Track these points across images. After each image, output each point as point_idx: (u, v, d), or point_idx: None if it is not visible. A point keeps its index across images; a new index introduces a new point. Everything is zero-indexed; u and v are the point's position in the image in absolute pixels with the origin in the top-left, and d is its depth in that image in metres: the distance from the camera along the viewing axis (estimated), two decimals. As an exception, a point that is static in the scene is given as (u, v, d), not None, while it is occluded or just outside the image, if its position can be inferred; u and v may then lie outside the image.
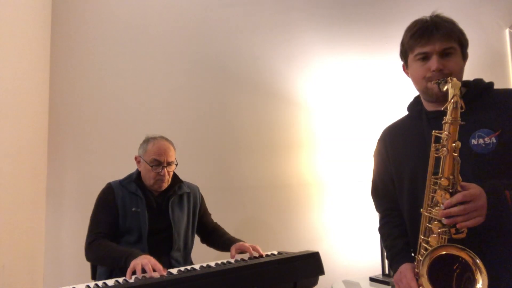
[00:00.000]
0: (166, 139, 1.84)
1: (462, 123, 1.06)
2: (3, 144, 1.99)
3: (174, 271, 1.45)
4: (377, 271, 2.21)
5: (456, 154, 1.06)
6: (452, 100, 1.06)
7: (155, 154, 1.76)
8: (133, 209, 1.75)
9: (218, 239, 1.93)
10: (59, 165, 2.42)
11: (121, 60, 2.54)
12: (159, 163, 1.75)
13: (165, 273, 1.40)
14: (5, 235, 1.98)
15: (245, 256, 1.70)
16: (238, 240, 1.83)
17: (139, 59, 2.55)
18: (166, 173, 1.77)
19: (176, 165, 1.84)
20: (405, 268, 1.18)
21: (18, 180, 2.12)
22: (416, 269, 1.14)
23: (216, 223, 2.02)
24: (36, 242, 2.29)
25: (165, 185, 1.80)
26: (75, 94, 2.49)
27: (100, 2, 2.59)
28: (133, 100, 2.52)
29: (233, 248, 1.75)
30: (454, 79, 1.09)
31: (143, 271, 1.40)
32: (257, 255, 1.67)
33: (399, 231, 1.32)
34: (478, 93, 1.20)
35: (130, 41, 2.56)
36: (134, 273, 1.42)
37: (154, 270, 1.41)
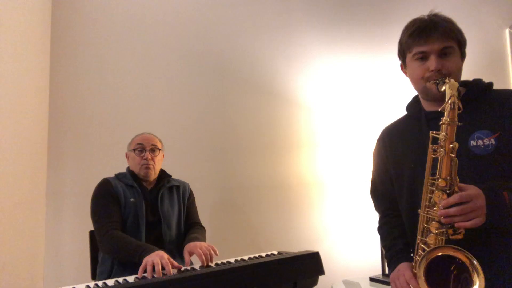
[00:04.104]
0: (152, 134, 1.95)
1: (459, 124, 1.06)
2: (3, 144, 1.99)
3: (174, 271, 1.45)
4: (377, 271, 2.21)
5: (453, 155, 1.05)
6: (450, 101, 1.06)
7: (139, 140, 1.87)
8: (131, 199, 1.78)
9: (185, 238, 1.82)
10: (59, 165, 2.41)
11: (121, 60, 2.54)
12: (142, 147, 1.84)
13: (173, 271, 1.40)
14: (5, 235, 1.98)
15: (245, 256, 1.70)
16: (194, 240, 1.70)
17: (139, 59, 2.55)
18: (150, 157, 1.83)
19: (160, 150, 1.90)
20: (403, 267, 1.19)
21: (18, 180, 2.12)
22: (414, 269, 1.14)
23: (198, 222, 1.95)
24: (36, 242, 2.29)
25: (151, 173, 1.85)
26: (75, 94, 2.48)
27: (101, 1, 2.59)
28: (133, 100, 2.52)
29: (185, 252, 1.64)
30: (452, 80, 1.09)
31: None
32: (206, 265, 1.54)
33: (398, 232, 1.32)
34: (478, 93, 1.20)
35: (130, 41, 2.56)
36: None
37: (163, 268, 1.40)
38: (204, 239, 1.82)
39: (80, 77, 2.51)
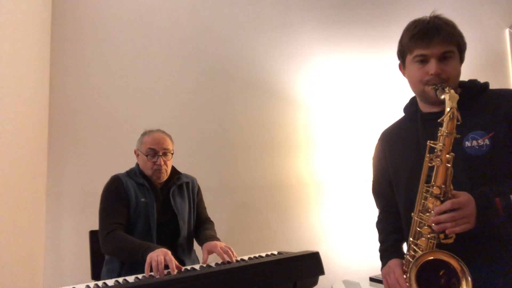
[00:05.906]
0: (163, 132, 1.87)
1: (457, 136, 1.07)
2: (3, 144, 1.99)
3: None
4: (377, 271, 2.20)
5: (449, 165, 1.07)
6: (449, 113, 1.06)
7: (151, 143, 1.79)
8: (142, 199, 1.76)
9: (200, 232, 1.87)
10: (59, 165, 2.41)
11: (121, 60, 2.54)
12: (154, 153, 1.78)
13: (176, 271, 1.40)
14: (5, 235, 1.98)
15: (245, 256, 1.70)
16: (214, 239, 1.75)
17: (138, 59, 2.55)
18: (163, 162, 1.78)
19: (172, 154, 1.85)
20: (394, 264, 1.22)
21: (18, 180, 2.12)
22: (404, 267, 1.17)
23: (208, 218, 2.00)
24: (36, 242, 2.29)
25: (164, 176, 1.82)
26: (75, 94, 2.48)
27: (101, 2, 2.59)
28: (132, 99, 2.52)
29: (204, 250, 1.68)
30: (452, 90, 1.09)
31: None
32: (226, 261, 1.56)
33: (392, 227, 1.36)
34: (473, 94, 1.21)
35: (129, 41, 2.56)
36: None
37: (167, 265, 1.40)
38: (216, 235, 1.84)
39: (80, 77, 2.51)
